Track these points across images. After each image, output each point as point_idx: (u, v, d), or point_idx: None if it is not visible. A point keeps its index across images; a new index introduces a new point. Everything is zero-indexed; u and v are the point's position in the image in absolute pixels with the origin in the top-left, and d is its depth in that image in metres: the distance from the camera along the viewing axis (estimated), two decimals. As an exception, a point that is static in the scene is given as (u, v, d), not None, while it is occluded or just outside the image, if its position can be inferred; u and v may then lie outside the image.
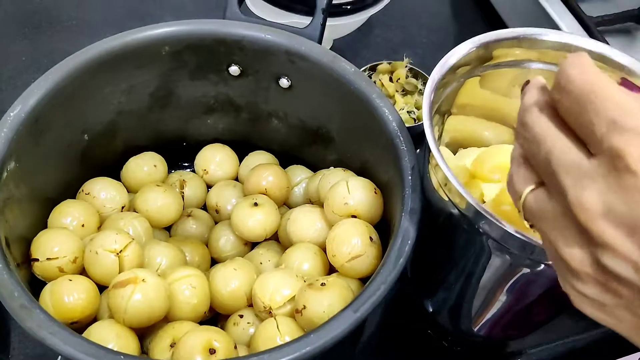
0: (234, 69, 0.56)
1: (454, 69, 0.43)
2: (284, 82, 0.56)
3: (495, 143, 0.51)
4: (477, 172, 0.47)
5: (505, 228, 0.37)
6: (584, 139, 0.27)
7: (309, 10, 0.68)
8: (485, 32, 0.49)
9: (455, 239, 0.45)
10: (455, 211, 0.42)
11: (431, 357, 0.58)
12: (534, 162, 0.29)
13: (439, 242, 0.48)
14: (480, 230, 0.40)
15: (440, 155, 0.39)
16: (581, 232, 0.26)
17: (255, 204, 0.55)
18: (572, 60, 0.27)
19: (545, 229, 0.28)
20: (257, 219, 0.54)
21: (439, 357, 0.58)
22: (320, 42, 0.54)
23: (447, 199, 0.41)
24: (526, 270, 0.43)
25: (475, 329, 0.53)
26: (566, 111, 0.27)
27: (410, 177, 0.45)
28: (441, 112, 0.46)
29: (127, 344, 0.44)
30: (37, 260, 0.48)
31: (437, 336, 0.57)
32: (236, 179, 0.63)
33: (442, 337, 0.57)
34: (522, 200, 0.29)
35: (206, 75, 0.57)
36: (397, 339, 0.58)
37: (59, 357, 0.39)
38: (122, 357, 0.37)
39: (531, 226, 0.30)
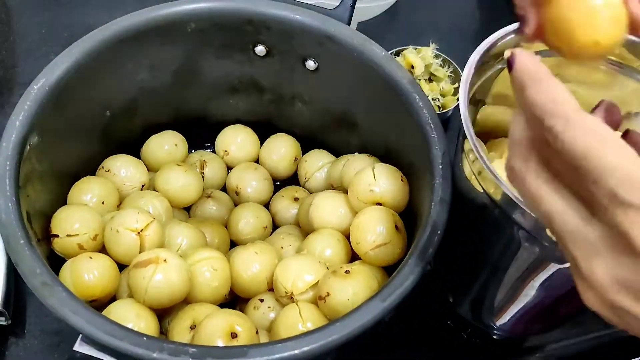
0: (260, 49, 0.55)
1: (493, 54, 0.42)
2: (311, 64, 0.55)
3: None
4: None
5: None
6: (584, 201, 0.26)
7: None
8: (513, 18, 0.48)
9: (484, 230, 0.44)
10: (487, 201, 0.40)
11: (449, 349, 0.57)
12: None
13: (466, 232, 0.47)
14: (512, 220, 0.39)
15: (476, 143, 0.37)
16: (596, 295, 0.26)
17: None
18: (556, 110, 0.25)
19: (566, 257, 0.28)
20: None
21: (457, 350, 0.57)
22: (349, 23, 0.53)
23: (480, 188, 0.40)
24: (555, 264, 0.42)
25: (497, 323, 0.52)
26: (561, 173, 0.26)
27: (440, 166, 0.44)
28: (475, 100, 0.44)
29: (147, 324, 0.44)
30: (57, 236, 0.47)
31: (457, 328, 0.57)
32: (257, 161, 0.62)
33: (461, 329, 0.56)
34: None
35: (231, 54, 0.55)
36: (415, 329, 0.57)
37: (80, 335, 0.38)
38: (144, 338, 0.36)
39: None
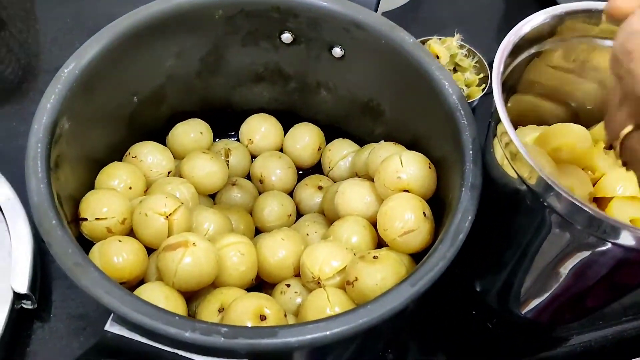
0: (287, 37, 0.55)
1: (524, 40, 0.41)
2: (337, 52, 0.55)
3: (554, 122, 0.50)
4: (541, 148, 0.45)
5: (575, 202, 0.36)
6: None
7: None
8: (536, 9, 0.47)
9: (514, 215, 0.44)
10: (519, 186, 0.40)
11: (473, 338, 0.57)
12: (631, 99, 0.28)
13: (495, 218, 0.47)
14: (545, 204, 0.39)
15: (511, 126, 0.37)
16: None
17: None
18: None
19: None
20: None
21: (481, 339, 0.57)
22: (376, 10, 0.53)
23: (512, 173, 0.40)
24: (587, 250, 0.42)
25: (524, 311, 0.51)
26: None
27: (471, 152, 0.44)
28: (506, 87, 0.44)
29: (175, 306, 0.44)
30: (85, 219, 0.47)
31: (482, 318, 0.56)
32: (281, 149, 0.62)
33: (487, 318, 0.56)
34: (619, 140, 0.30)
35: (258, 42, 0.56)
36: (439, 317, 0.57)
37: (111, 315, 0.39)
38: (177, 317, 0.36)
39: (624, 164, 0.30)
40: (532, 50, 0.44)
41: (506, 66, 0.41)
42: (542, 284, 0.47)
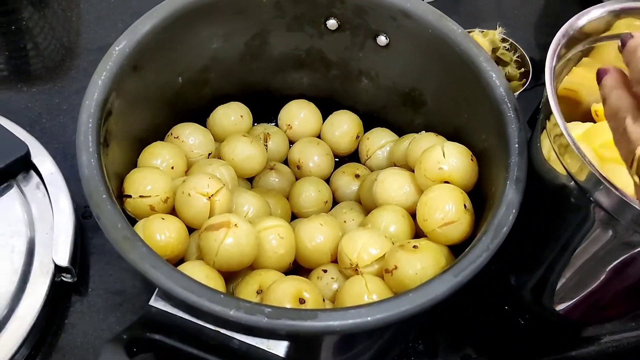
0: (332, 23, 0.55)
1: (580, 32, 0.41)
2: (382, 40, 0.54)
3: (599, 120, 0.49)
4: (586, 146, 0.45)
5: (624, 198, 0.36)
6: None
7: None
8: (579, 5, 0.46)
9: (557, 211, 0.44)
10: (566, 181, 0.40)
11: (504, 333, 0.57)
12: None
13: (537, 214, 0.46)
14: (592, 200, 0.39)
15: (563, 119, 0.37)
16: None
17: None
18: None
19: None
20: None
21: (512, 334, 0.57)
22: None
23: (560, 168, 0.40)
24: (630, 248, 0.41)
25: (558, 308, 0.51)
26: None
27: (517, 145, 0.44)
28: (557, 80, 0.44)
29: (215, 285, 0.44)
30: (129, 197, 0.48)
31: (515, 313, 0.56)
32: (319, 136, 0.62)
33: (519, 314, 0.56)
34: (637, 155, 0.31)
35: (302, 26, 0.56)
36: (471, 311, 0.57)
37: (156, 290, 0.39)
38: (222, 295, 0.37)
39: None
40: (586, 45, 0.43)
41: (559, 58, 0.40)
42: (579, 280, 0.47)
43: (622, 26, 0.44)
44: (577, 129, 0.48)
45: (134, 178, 0.48)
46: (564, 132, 0.37)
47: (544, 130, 0.41)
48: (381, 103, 0.61)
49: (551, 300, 0.51)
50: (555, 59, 0.40)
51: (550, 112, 0.38)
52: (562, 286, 0.49)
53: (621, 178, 0.45)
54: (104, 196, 0.40)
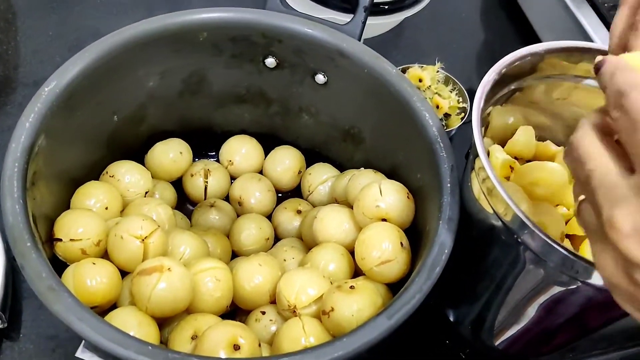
0: (270, 61, 0.55)
1: (506, 76, 0.42)
2: (320, 78, 0.55)
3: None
4: (517, 184, 0.46)
5: (549, 241, 0.37)
6: (630, 155, 0.28)
7: (345, 7, 0.67)
8: (517, 41, 0.47)
9: (489, 250, 0.45)
10: (495, 221, 0.41)
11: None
12: (577, 181, 0.31)
13: (471, 251, 0.47)
14: (520, 241, 0.39)
15: (489, 162, 0.38)
16: (614, 249, 0.28)
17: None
18: (627, 80, 0.28)
19: (590, 239, 0.30)
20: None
21: (454, 369, 0.57)
22: (360, 39, 0.53)
23: (489, 208, 0.41)
24: (560, 287, 0.42)
25: (497, 343, 0.52)
26: (620, 128, 0.29)
27: (449, 185, 0.44)
28: (484, 121, 0.45)
29: (148, 332, 0.43)
30: (60, 240, 0.46)
31: (455, 347, 0.57)
32: (260, 172, 0.62)
33: (460, 348, 0.56)
34: (575, 209, 0.31)
35: (241, 64, 0.56)
36: (411, 346, 0.57)
37: (82, 342, 0.38)
38: (149, 347, 0.36)
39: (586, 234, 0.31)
40: (513, 86, 0.45)
41: (487, 101, 0.41)
42: (514, 317, 0.48)
43: (547, 67, 0.46)
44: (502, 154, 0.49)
45: (64, 221, 0.47)
46: (490, 175, 0.38)
47: (473, 171, 0.42)
48: (322, 139, 0.61)
49: (490, 336, 0.52)
50: (482, 102, 0.40)
51: (477, 155, 0.39)
52: (499, 322, 0.49)
53: (551, 216, 0.46)
54: (29, 244, 0.39)
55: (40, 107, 0.45)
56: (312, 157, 0.62)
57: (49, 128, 0.45)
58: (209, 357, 0.37)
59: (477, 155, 0.39)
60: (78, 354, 0.38)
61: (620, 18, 0.35)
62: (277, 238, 0.59)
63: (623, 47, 0.35)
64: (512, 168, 0.47)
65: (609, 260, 0.29)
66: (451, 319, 0.54)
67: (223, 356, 0.41)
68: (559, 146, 0.49)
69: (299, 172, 0.61)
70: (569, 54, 0.45)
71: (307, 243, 0.56)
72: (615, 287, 0.29)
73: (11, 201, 0.41)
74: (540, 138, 0.50)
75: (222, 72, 0.56)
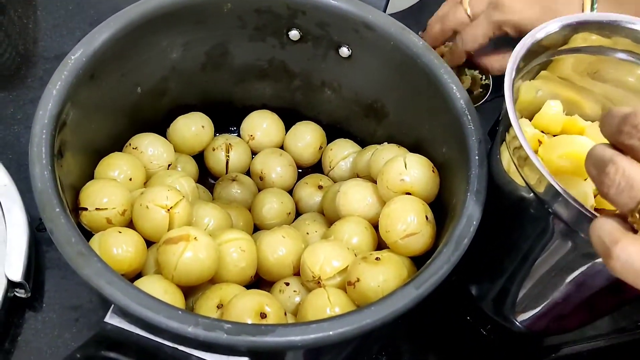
0: (294, 34, 0.55)
1: (539, 45, 0.42)
2: (344, 51, 0.54)
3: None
4: (545, 158, 0.45)
5: (583, 210, 0.36)
6: None
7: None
8: None
9: (517, 223, 0.44)
10: (526, 193, 0.40)
11: (466, 344, 0.57)
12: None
13: (497, 224, 0.47)
14: (551, 211, 0.39)
15: (522, 132, 0.37)
16: None
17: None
18: None
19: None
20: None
21: (474, 345, 0.57)
22: (384, 11, 0.53)
23: (519, 180, 0.40)
24: (589, 260, 0.42)
25: (519, 319, 0.52)
26: None
27: (477, 157, 0.44)
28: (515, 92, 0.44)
29: (174, 300, 0.43)
30: (85, 209, 0.47)
31: (476, 323, 0.56)
32: (282, 147, 0.62)
33: (481, 324, 0.56)
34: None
35: (264, 37, 0.55)
36: (433, 322, 0.57)
37: (112, 306, 0.38)
38: (179, 311, 0.36)
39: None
40: (544, 58, 0.44)
41: (518, 71, 0.41)
42: (539, 292, 0.48)
43: (579, 40, 0.45)
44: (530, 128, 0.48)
45: (90, 190, 0.47)
46: (523, 145, 0.37)
47: (504, 143, 0.42)
48: (344, 114, 0.60)
49: (512, 312, 0.51)
50: (513, 72, 0.40)
51: (510, 125, 0.38)
52: (523, 297, 0.49)
53: (579, 189, 0.45)
54: (57, 210, 0.39)
55: (67, 75, 0.45)
56: (333, 132, 0.62)
57: (75, 97, 0.45)
58: (238, 323, 0.37)
59: (509, 125, 0.39)
60: (107, 319, 0.38)
61: None
62: (298, 213, 0.59)
63: None
64: (540, 142, 0.47)
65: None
66: (474, 294, 0.53)
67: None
68: (587, 121, 0.49)
69: (320, 147, 0.61)
70: (600, 26, 0.44)
71: (329, 218, 0.56)
72: None
73: (40, 167, 0.41)
74: (568, 113, 0.49)
75: (245, 45, 0.56)
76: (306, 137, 0.61)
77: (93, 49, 0.46)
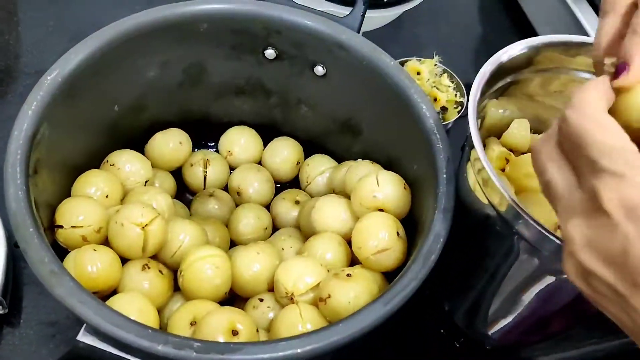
0: (270, 52, 0.56)
1: (502, 68, 0.43)
2: (319, 70, 0.55)
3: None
4: (512, 176, 0.47)
5: (543, 231, 0.37)
6: (576, 173, 0.31)
7: (345, 0, 0.68)
8: (514, 35, 0.48)
9: (484, 240, 0.45)
10: (490, 212, 0.41)
11: (440, 357, 0.58)
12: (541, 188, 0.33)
13: (466, 241, 0.48)
14: (514, 231, 0.40)
15: (484, 153, 0.38)
16: (572, 257, 0.30)
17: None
18: (573, 103, 0.30)
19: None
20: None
21: (447, 358, 0.58)
22: (359, 32, 0.54)
23: (484, 199, 0.41)
24: (553, 276, 0.43)
25: (490, 332, 0.53)
26: (564, 148, 0.31)
27: (445, 175, 0.45)
28: (480, 114, 0.46)
29: (148, 318, 0.44)
30: (61, 227, 0.47)
31: (450, 337, 0.57)
32: (259, 162, 0.62)
33: (454, 338, 0.57)
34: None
35: (241, 55, 0.56)
36: (407, 335, 0.58)
37: (84, 325, 0.39)
38: (149, 330, 0.37)
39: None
40: (509, 79, 0.45)
41: (483, 93, 0.42)
42: (508, 306, 0.49)
43: (544, 60, 0.46)
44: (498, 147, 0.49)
45: (65, 208, 0.48)
46: (485, 166, 0.38)
47: (469, 162, 0.43)
48: (321, 130, 0.61)
49: (484, 325, 0.52)
50: (478, 94, 0.41)
51: (472, 147, 0.39)
52: (493, 312, 0.50)
53: (545, 207, 0.47)
54: (31, 230, 0.40)
55: (43, 95, 0.45)
56: (310, 148, 0.63)
57: (51, 116, 0.46)
58: (208, 341, 0.37)
59: (472, 147, 0.40)
60: (79, 337, 0.38)
61: (609, 27, 0.34)
62: (275, 228, 0.59)
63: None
64: (507, 160, 0.48)
65: (572, 267, 0.31)
66: (446, 308, 0.55)
67: (222, 341, 0.42)
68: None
69: (298, 163, 0.62)
70: (566, 47, 0.46)
71: (305, 233, 0.56)
72: (581, 290, 0.31)
73: (14, 187, 0.41)
74: (535, 131, 0.50)
75: (222, 63, 0.57)
76: (284, 152, 0.61)
77: (69, 69, 0.47)
